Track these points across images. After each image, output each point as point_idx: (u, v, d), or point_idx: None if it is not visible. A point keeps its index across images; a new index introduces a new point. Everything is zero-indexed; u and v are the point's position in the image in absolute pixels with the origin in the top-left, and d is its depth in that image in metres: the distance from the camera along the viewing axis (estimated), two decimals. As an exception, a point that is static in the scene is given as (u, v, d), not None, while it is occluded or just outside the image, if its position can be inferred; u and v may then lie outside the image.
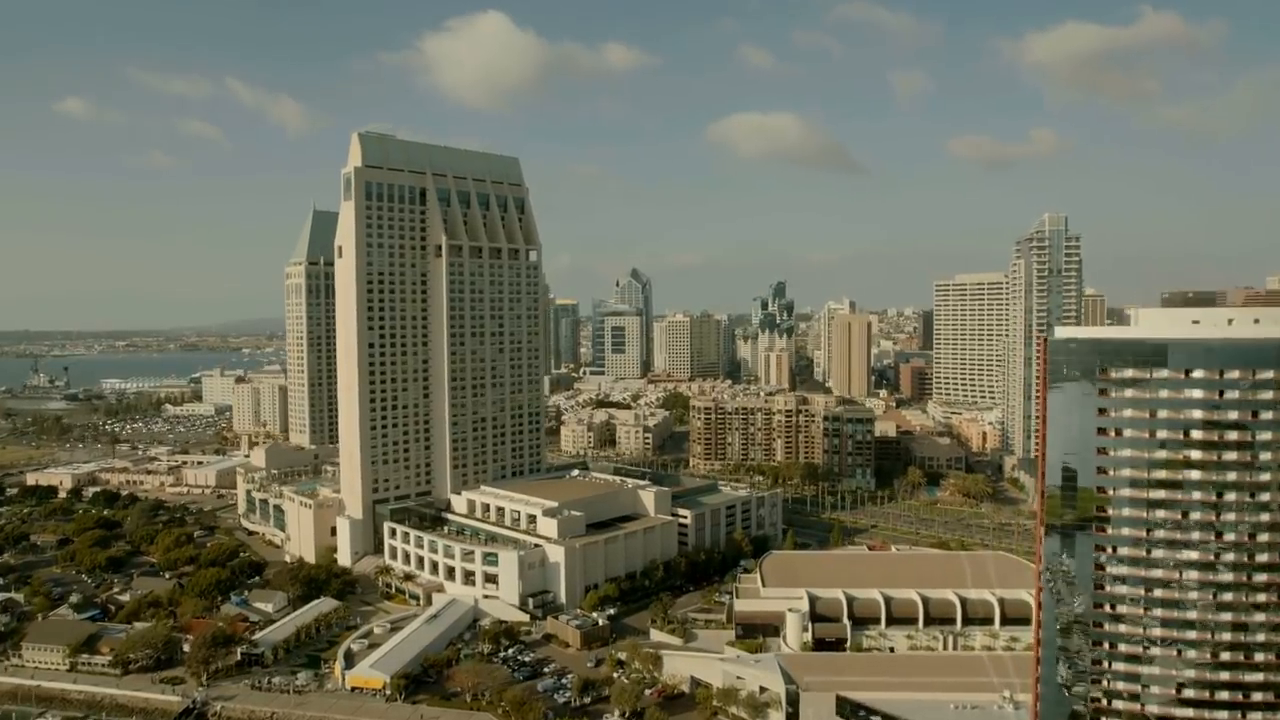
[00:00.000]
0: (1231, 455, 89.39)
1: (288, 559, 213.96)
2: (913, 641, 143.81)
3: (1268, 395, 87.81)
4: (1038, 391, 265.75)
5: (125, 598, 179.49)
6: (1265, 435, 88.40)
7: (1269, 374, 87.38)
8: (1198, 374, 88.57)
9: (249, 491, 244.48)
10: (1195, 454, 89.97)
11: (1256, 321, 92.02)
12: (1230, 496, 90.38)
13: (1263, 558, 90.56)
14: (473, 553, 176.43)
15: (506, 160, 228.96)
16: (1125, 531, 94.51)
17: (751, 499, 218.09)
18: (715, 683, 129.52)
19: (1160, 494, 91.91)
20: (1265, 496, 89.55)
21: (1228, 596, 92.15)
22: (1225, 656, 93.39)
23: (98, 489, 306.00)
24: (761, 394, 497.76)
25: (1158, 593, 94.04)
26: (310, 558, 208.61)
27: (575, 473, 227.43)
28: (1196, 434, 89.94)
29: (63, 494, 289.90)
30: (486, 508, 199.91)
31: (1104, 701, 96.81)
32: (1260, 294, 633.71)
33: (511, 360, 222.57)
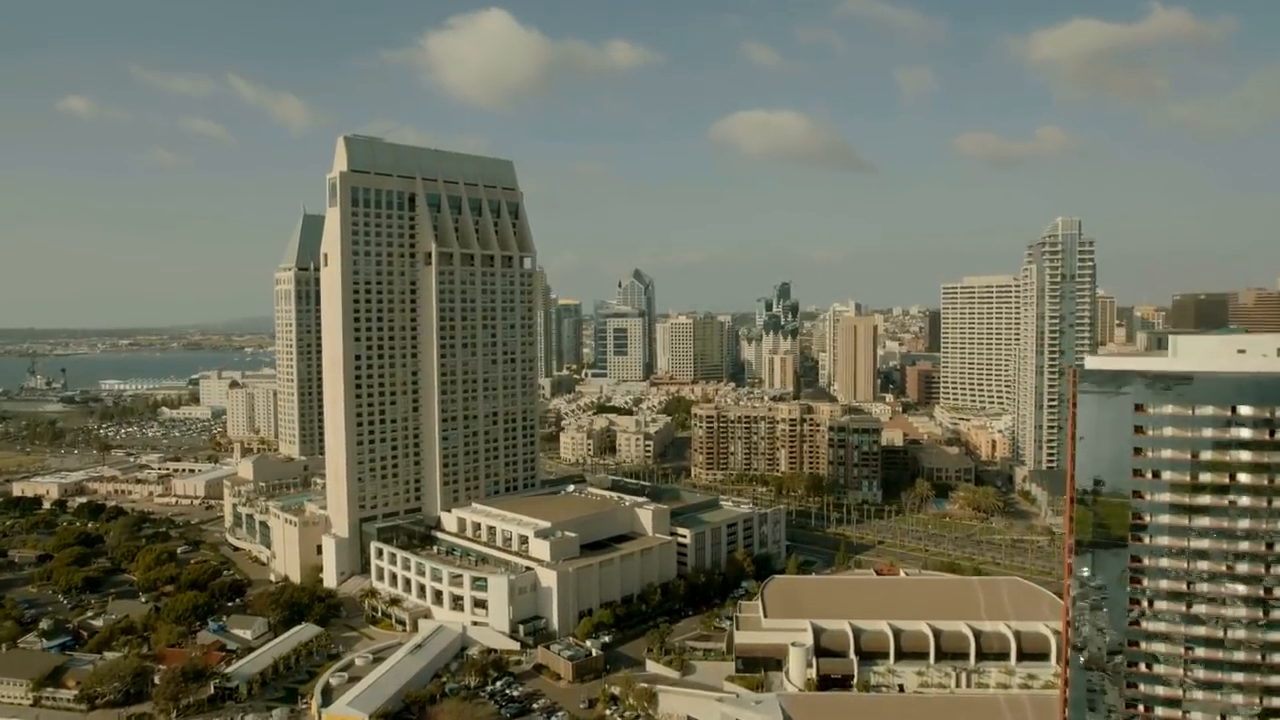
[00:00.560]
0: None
1: (272, 578, 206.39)
2: (924, 678, 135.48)
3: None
4: (1051, 402, 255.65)
5: (99, 623, 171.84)
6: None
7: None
8: (1245, 410, 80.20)
9: (235, 506, 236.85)
10: (1245, 477, 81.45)
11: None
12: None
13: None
14: (461, 577, 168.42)
15: (499, 163, 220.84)
16: (1164, 563, 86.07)
17: (754, 516, 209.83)
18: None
19: (1204, 521, 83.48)
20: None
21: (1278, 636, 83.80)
22: (1277, 702, 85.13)
23: (85, 499, 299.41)
24: (766, 397, 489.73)
25: (1200, 629, 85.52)
26: (296, 577, 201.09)
27: (571, 488, 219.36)
28: (1245, 455, 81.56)
29: (48, 505, 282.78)
30: (477, 527, 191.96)
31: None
32: (1271, 295, 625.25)
33: (505, 371, 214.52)
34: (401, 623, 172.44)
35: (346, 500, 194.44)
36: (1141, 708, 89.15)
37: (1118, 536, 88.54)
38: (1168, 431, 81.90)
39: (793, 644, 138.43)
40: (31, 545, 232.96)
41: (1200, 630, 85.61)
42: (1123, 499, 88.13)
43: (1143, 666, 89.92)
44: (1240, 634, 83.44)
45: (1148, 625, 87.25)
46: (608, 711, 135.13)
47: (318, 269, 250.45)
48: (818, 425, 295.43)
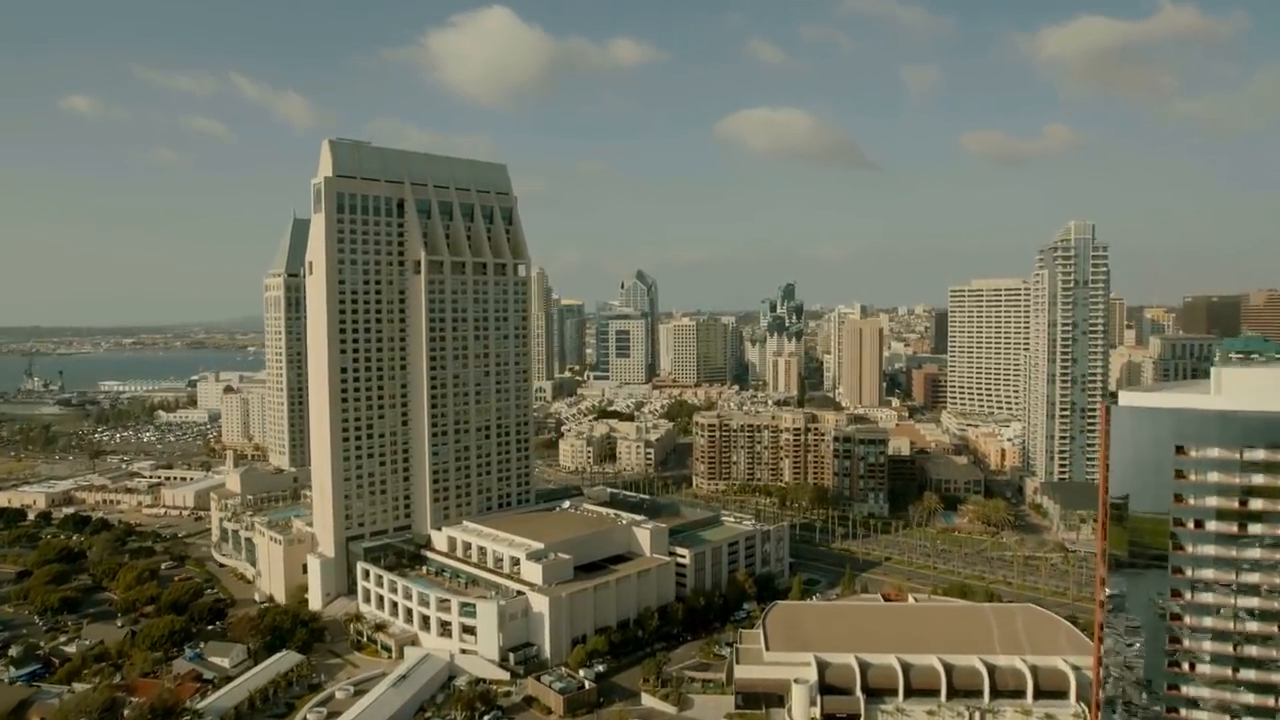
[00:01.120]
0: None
1: (257, 597, 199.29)
2: (935, 718, 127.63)
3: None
4: (1063, 412, 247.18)
5: (73, 649, 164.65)
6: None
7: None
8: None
9: (221, 520, 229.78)
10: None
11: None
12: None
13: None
14: (448, 602, 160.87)
15: (492, 167, 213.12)
16: (1207, 598, 78.08)
17: (756, 534, 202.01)
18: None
19: (1255, 553, 75.43)
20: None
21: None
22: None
23: (73, 509, 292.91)
24: (770, 401, 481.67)
25: (1250, 674, 77.46)
26: (281, 596, 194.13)
27: (566, 504, 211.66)
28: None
29: (33, 516, 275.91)
30: (468, 547, 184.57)
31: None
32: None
33: (498, 383, 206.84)
34: (387, 649, 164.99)
35: (332, 518, 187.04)
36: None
37: (1154, 556, 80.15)
38: (1213, 478, 73.88)
39: (795, 680, 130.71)
40: (12, 560, 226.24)
41: (1251, 675, 77.66)
42: (1161, 518, 79.80)
43: (1183, 712, 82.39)
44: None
45: (1187, 665, 79.41)
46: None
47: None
48: (822, 435, 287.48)
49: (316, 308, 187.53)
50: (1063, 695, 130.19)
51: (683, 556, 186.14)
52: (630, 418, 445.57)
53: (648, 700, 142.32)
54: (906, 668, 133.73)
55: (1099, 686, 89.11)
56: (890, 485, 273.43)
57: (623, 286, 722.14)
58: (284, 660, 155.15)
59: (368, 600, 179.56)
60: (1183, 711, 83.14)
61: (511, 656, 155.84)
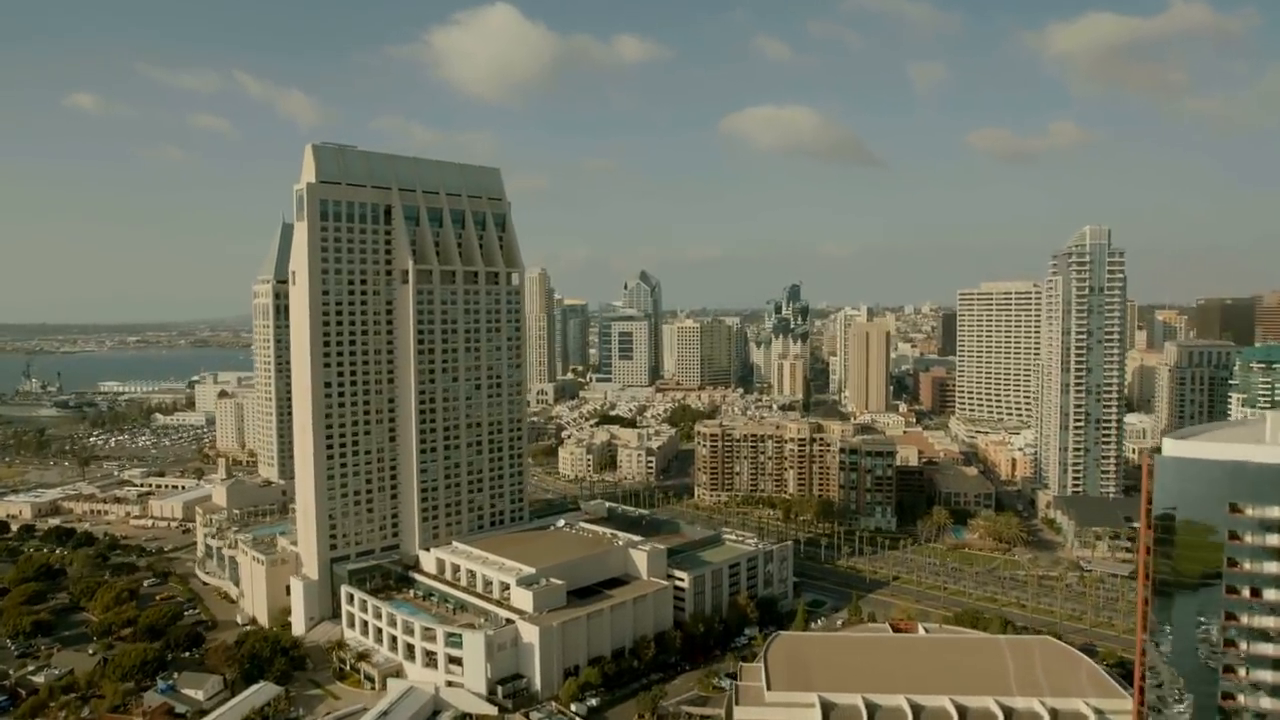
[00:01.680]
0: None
1: (239, 619, 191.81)
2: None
3: None
4: (1077, 423, 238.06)
5: (41, 679, 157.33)
6: None
7: None
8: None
9: (205, 537, 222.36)
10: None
11: None
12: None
13: None
14: (434, 632, 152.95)
15: (485, 171, 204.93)
16: (1265, 677, 69.62)
17: (759, 554, 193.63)
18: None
19: None
20: None
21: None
22: None
23: (59, 520, 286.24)
24: (774, 406, 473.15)
25: None
26: (264, 619, 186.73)
27: (561, 523, 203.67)
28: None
29: (17, 528, 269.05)
30: (456, 569, 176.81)
31: None
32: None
33: (490, 397, 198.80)
34: (370, 679, 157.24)
35: (316, 539, 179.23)
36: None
37: (1201, 622, 71.41)
38: (1272, 540, 65.41)
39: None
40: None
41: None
42: (1212, 584, 71.23)
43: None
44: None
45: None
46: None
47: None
48: (828, 445, 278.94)
49: (299, 319, 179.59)
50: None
51: (681, 580, 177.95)
52: (632, 423, 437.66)
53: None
54: (917, 710, 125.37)
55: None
56: (898, 497, 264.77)
57: (626, 287, 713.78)
58: (261, 693, 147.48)
59: (352, 625, 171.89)
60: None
61: (500, 689, 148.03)
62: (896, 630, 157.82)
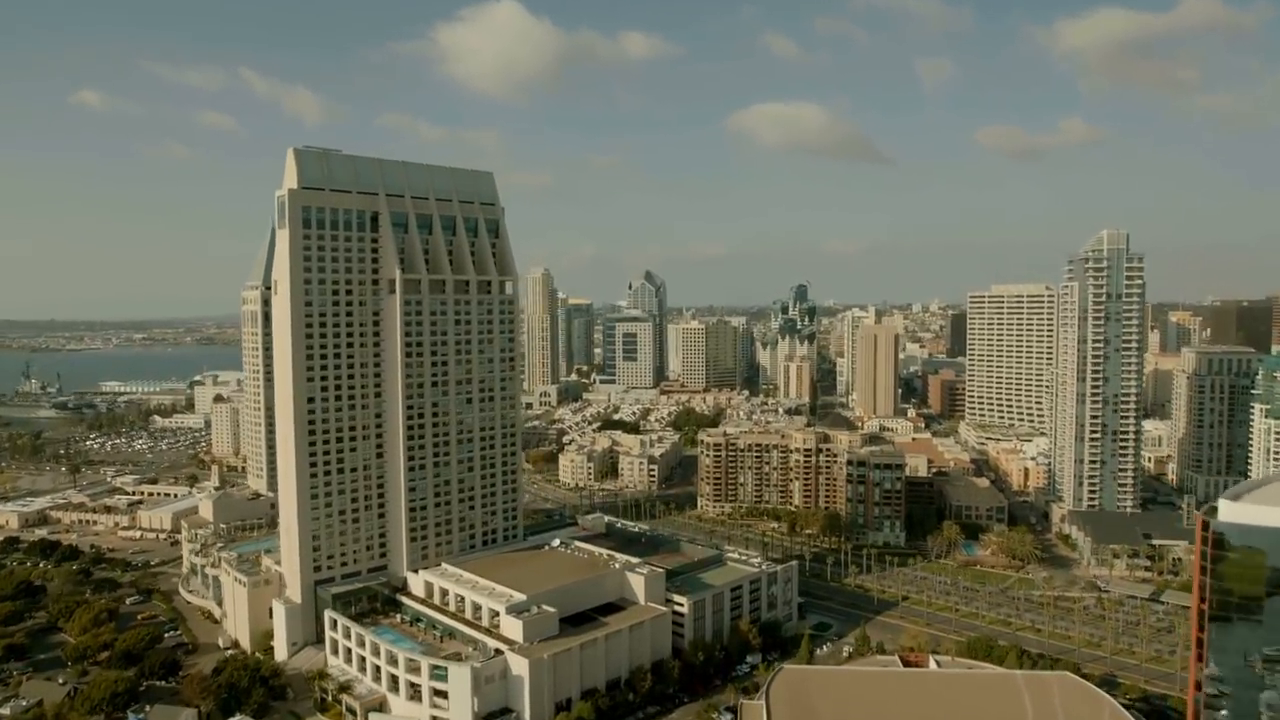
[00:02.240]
0: None
1: (221, 642, 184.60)
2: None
3: None
4: (1093, 434, 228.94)
5: (8, 710, 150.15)
6: None
7: None
8: None
9: (190, 553, 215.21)
10: None
11: None
12: None
13: None
14: (418, 663, 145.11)
15: (477, 176, 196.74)
16: None
17: (762, 576, 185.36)
18: None
19: None
20: None
21: None
22: None
23: (47, 530, 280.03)
24: (780, 409, 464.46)
25: None
26: (246, 642, 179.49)
27: (556, 542, 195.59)
28: None
29: (2, 539, 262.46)
30: (445, 594, 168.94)
31: None
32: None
33: (482, 411, 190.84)
34: (353, 712, 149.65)
35: (299, 561, 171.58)
36: None
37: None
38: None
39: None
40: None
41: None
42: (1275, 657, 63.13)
43: None
44: None
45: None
46: None
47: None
48: (834, 456, 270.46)
49: (281, 331, 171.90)
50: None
51: (680, 605, 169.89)
52: (635, 428, 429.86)
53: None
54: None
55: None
56: (906, 509, 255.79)
57: (630, 287, 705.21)
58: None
59: (335, 652, 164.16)
60: None
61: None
62: (907, 664, 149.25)
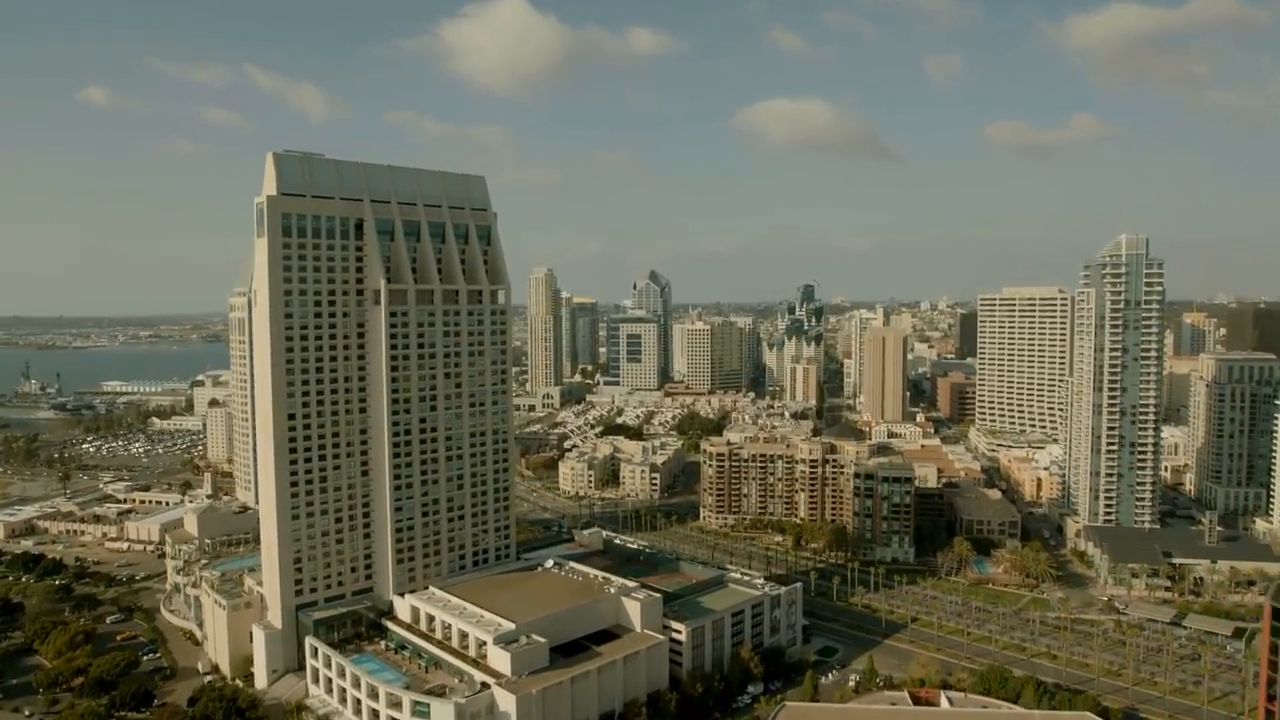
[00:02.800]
0: None
1: (201, 667, 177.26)
2: None
3: None
4: (1110, 446, 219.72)
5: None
6: None
7: None
8: None
9: (173, 570, 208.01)
10: None
11: None
12: None
13: None
14: (399, 699, 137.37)
15: (468, 180, 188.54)
16: None
17: (765, 600, 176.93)
18: None
19: None
20: None
21: None
22: None
23: (34, 540, 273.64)
24: (786, 413, 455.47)
25: None
26: (226, 667, 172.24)
27: (550, 563, 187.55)
28: None
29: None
30: (432, 620, 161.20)
31: None
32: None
33: (472, 427, 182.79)
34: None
35: (279, 584, 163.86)
36: None
37: None
38: None
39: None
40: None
41: None
42: None
43: None
44: None
45: None
46: None
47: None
48: (841, 467, 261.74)
49: (261, 344, 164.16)
50: None
51: (678, 632, 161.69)
52: (638, 433, 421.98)
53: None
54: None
55: None
56: (916, 522, 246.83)
57: (635, 287, 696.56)
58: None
59: (316, 681, 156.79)
60: None
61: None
62: (917, 701, 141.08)
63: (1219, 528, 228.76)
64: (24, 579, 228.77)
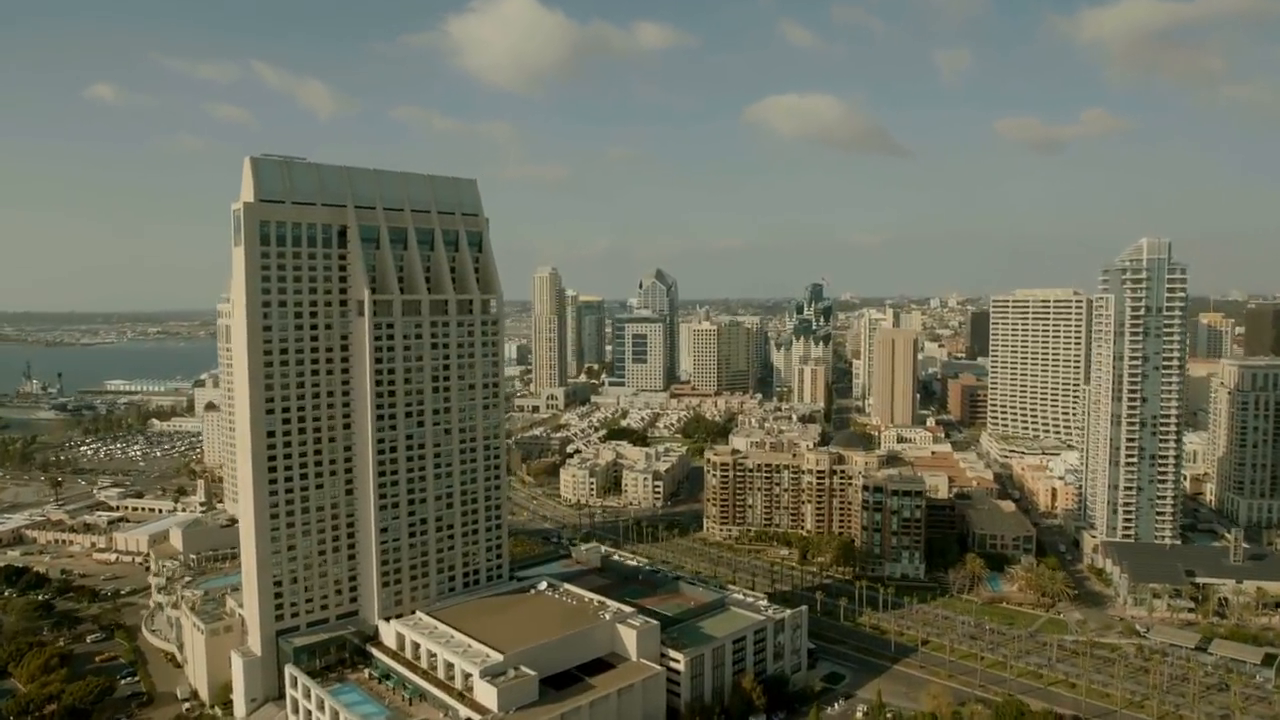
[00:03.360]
0: None
1: (179, 693, 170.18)
2: None
3: None
4: (1129, 459, 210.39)
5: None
6: None
7: None
8: None
9: (156, 588, 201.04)
10: None
11: None
12: None
13: None
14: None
15: (459, 184, 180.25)
16: None
17: (768, 625, 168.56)
18: None
19: None
20: None
21: None
22: None
23: (22, 550, 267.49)
24: (794, 417, 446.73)
25: None
26: (205, 693, 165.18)
27: (544, 585, 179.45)
28: None
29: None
30: (417, 648, 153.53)
31: None
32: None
33: (462, 444, 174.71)
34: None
35: (259, 610, 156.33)
36: None
37: None
38: None
39: None
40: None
41: None
42: None
43: None
44: None
45: None
46: None
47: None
48: (850, 479, 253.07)
49: (239, 358, 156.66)
50: None
51: (676, 661, 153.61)
52: (642, 438, 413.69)
53: None
54: None
55: None
56: (926, 536, 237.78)
57: (641, 286, 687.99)
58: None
59: (296, 712, 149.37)
60: None
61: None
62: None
63: (1244, 544, 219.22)
64: (6, 593, 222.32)
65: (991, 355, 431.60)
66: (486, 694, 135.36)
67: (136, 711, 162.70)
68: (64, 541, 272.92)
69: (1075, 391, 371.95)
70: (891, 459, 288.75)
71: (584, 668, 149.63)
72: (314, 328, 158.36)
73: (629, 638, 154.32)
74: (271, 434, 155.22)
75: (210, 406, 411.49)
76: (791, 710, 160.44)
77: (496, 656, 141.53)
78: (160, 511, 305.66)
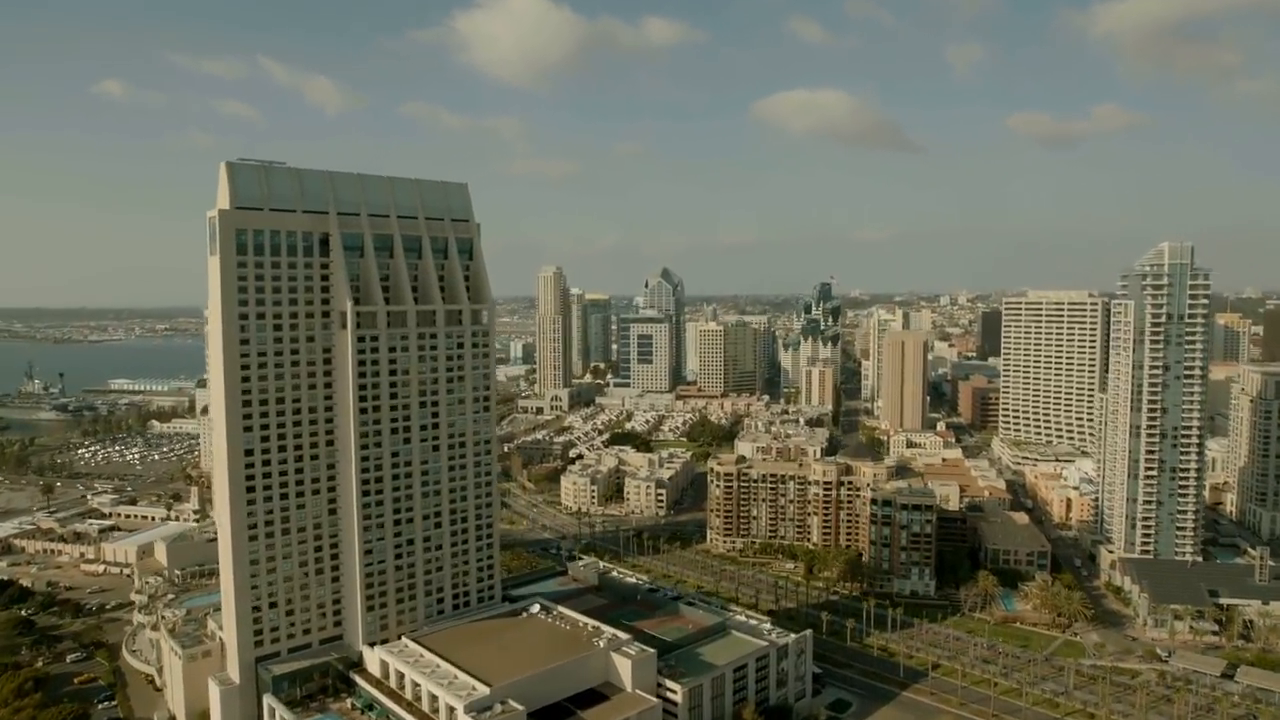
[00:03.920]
0: None
1: (156, 718, 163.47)
2: None
3: None
4: (1149, 472, 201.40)
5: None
6: None
7: None
8: None
9: (138, 607, 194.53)
10: None
11: None
12: None
13: None
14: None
15: (448, 188, 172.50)
16: None
17: (771, 652, 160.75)
18: None
19: None
20: None
21: None
22: None
23: (9, 560, 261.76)
24: (801, 420, 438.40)
25: None
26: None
27: (536, 608, 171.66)
28: None
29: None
30: (402, 678, 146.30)
31: None
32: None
33: (451, 460, 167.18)
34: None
35: (238, 637, 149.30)
36: None
37: None
38: None
39: None
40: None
41: None
42: None
43: None
44: None
45: None
46: None
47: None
48: (858, 490, 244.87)
49: (215, 372, 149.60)
50: None
51: (674, 692, 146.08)
52: (646, 443, 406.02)
53: None
54: None
55: None
56: (937, 550, 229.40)
57: (646, 285, 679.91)
58: None
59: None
60: None
61: None
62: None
63: (1269, 561, 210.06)
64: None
65: (1003, 358, 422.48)
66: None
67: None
68: (53, 551, 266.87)
69: (1090, 397, 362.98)
70: (901, 469, 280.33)
71: (576, 699, 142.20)
72: (294, 340, 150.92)
73: (624, 667, 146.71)
74: (250, 451, 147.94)
75: (207, 410, 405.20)
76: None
77: (483, 689, 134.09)
78: (153, 519, 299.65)
